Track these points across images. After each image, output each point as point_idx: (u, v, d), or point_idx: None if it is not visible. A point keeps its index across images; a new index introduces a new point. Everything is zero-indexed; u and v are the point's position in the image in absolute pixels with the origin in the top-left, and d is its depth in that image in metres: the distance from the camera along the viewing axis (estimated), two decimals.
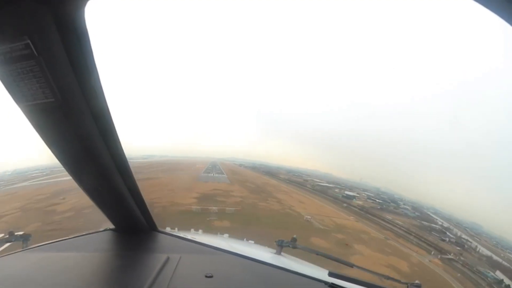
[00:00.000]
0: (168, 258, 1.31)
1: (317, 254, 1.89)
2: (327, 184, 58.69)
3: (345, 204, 43.25)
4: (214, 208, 27.87)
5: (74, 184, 1.15)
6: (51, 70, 0.72)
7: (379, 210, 42.23)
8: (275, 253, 1.96)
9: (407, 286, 1.41)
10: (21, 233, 1.77)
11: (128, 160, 1.15)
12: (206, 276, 1.20)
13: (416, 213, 42.64)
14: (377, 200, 48.62)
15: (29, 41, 0.65)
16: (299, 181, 63.94)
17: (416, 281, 1.45)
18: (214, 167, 79.53)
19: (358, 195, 50.32)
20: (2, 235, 1.76)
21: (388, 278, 1.64)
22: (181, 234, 1.85)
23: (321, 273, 1.51)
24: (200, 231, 2.53)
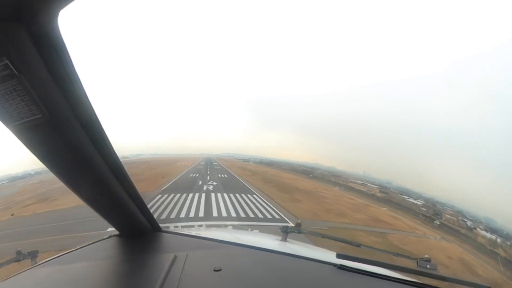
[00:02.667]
0: (175, 257, 1.33)
1: (323, 237, 1.92)
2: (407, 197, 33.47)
3: None
4: None
5: None
6: (34, 86, 0.71)
7: None
8: (280, 240, 1.99)
9: (417, 262, 1.43)
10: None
11: None
12: (214, 270, 1.22)
13: None
14: None
15: (7, 61, 0.64)
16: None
17: (426, 256, 1.46)
18: (209, 165, 51.80)
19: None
20: None
21: (397, 255, 1.66)
22: (185, 231, 1.86)
23: (329, 256, 1.53)
24: (204, 226, 2.56)
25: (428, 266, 1.37)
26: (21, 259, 1.71)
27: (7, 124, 0.78)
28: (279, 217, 13.92)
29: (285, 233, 2.00)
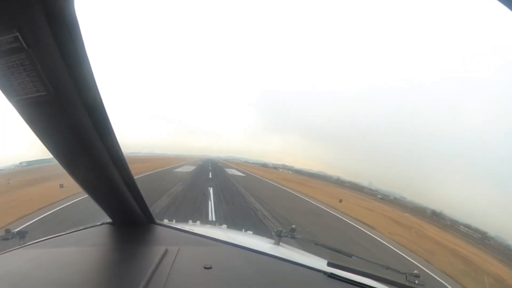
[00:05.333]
0: (166, 250, 1.32)
1: (316, 244, 1.91)
2: None
3: None
4: None
5: None
6: (42, 63, 0.70)
7: None
8: (273, 244, 1.98)
9: (406, 276, 1.43)
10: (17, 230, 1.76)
11: None
12: (205, 268, 1.21)
13: None
14: None
15: (18, 34, 0.63)
16: None
17: (415, 271, 1.47)
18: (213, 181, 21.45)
19: None
20: None
21: (387, 268, 1.66)
22: (179, 225, 1.85)
23: (320, 263, 1.53)
24: (198, 222, 2.54)
25: (416, 282, 1.38)
26: (10, 238, 1.69)
27: (10, 98, 0.77)
28: None
29: (278, 236, 1.99)
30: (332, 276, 1.32)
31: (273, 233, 2.03)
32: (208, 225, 2.89)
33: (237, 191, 17.72)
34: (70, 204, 10.55)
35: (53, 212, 9.50)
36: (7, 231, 1.71)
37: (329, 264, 1.38)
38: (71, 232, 1.61)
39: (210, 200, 12.90)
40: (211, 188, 16.94)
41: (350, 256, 1.79)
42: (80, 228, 1.66)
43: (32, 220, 8.43)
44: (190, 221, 2.48)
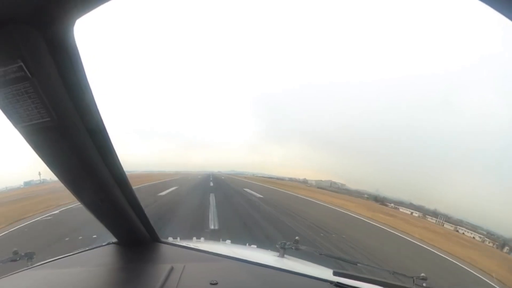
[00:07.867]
0: (172, 268, 1.32)
1: (320, 254, 1.90)
2: None
3: None
4: None
5: None
6: (45, 90, 0.74)
7: None
8: (278, 256, 1.96)
9: (413, 280, 1.42)
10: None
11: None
12: (211, 283, 1.20)
13: None
14: None
15: (21, 63, 0.67)
16: None
17: (422, 274, 1.45)
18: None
19: None
20: None
21: (394, 273, 1.65)
22: (184, 243, 1.85)
23: (326, 273, 1.51)
24: (202, 239, 2.53)
25: (424, 285, 1.36)
26: (17, 259, 1.71)
27: (15, 124, 0.80)
28: None
29: (282, 249, 1.98)
30: (339, 285, 1.30)
31: (277, 246, 2.01)
32: (212, 241, 2.87)
33: None
34: None
35: None
36: (15, 252, 1.72)
37: (335, 273, 1.37)
38: (77, 253, 1.62)
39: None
40: None
41: (355, 264, 1.78)
42: (86, 248, 1.66)
43: None
44: (194, 238, 2.47)
